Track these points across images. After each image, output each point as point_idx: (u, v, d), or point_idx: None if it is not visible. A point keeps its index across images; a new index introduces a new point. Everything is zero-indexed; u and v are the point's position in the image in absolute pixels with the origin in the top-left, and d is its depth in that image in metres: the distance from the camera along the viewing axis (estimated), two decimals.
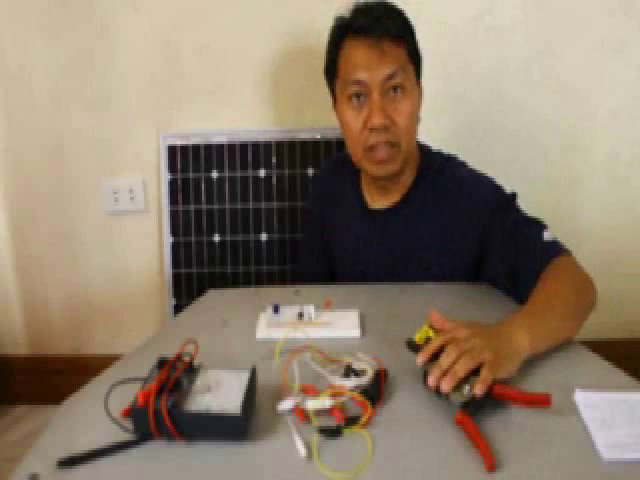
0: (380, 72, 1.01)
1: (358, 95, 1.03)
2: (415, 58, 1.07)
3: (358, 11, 1.04)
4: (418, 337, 0.75)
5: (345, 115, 1.06)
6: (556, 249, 0.97)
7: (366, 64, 1.01)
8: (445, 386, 0.67)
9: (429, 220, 1.11)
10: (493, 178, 1.12)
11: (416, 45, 1.07)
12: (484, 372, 0.68)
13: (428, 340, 0.74)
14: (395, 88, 1.02)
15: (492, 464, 0.58)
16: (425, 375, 0.71)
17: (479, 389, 0.66)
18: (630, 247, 1.66)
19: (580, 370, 0.76)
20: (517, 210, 1.06)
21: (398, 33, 1.02)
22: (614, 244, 1.66)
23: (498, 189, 1.09)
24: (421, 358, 0.72)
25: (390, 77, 1.01)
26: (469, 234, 1.07)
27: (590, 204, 1.64)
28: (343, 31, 1.05)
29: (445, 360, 0.69)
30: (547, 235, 0.99)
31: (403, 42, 1.03)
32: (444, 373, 0.68)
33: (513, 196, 1.07)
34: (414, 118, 1.07)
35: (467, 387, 0.66)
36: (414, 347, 0.75)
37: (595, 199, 1.63)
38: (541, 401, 0.67)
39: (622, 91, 1.55)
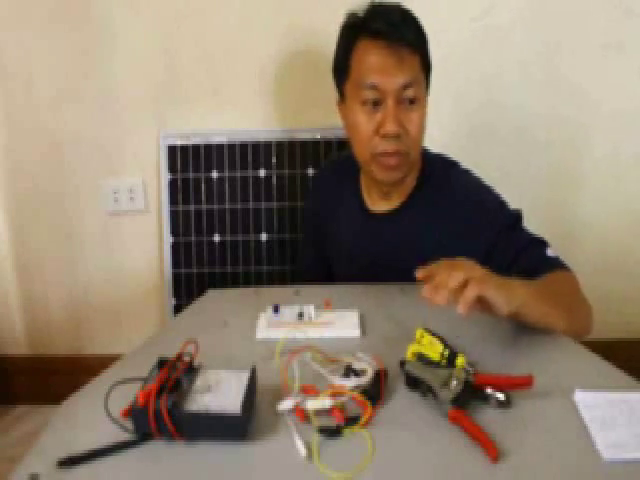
0: (397, 80, 0.98)
1: (373, 101, 1.00)
2: (426, 69, 1.05)
3: (374, 12, 1.01)
4: (410, 353, 0.75)
5: (356, 117, 1.03)
6: (559, 264, 0.98)
7: (383, 69, 0.98)
8: (439, 298, 0.69)
9: (430, 226, 1.09)
10: (495, 189, 1.09)
11: (429, 56, 1.05)
12: (467, 289, 0.69)
13: (420, 357, 0.74)
14: (410, 100, 1.00)
15: (496, 454, 0.58)
16: (407, 378, 0.71)
17: (461, 307, 0.69)
18: (631, 246, 1.66)
19: (580, 370, 0.76)
20: (521, 229, 1.04)
21: (415, 42, 1.00)
22: (615, 243, 1.66)
23: (503, 208, 1.07)
24: (421, 273, 0.76)
25: (406, 86, 0.99)
26: (470, 249, 1.04)
27: (591, 203, 1.64)
28: (357, 31, 1.02)
29: (437, 278, 0.72)
30: (550, 252, 1.00)
31: (418, 52, 1.01)
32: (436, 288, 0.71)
33: (518, 215, 1.05)
34: (424, 129, 1.06)
35: (454, 382, 0.66)
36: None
37: (596, 198, 1.63)
38: (524, 383, 0.68)
39: (622, 91, 1.55)
